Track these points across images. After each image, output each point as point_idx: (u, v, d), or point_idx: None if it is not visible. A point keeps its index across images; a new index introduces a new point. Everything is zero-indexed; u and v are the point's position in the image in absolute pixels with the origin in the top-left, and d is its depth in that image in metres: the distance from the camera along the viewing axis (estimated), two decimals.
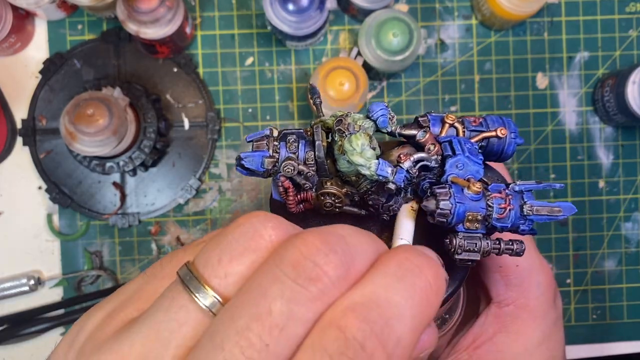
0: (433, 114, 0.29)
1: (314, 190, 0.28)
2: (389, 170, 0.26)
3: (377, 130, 0.28)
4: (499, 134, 0.29)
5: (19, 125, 0.57)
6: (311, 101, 0.30)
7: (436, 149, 0.28)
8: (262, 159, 0.27)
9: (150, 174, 0.58)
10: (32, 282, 0.57)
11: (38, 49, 0.58)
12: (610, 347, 0.61)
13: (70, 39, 0.58)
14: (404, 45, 0.53)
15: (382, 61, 0.54)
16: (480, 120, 0.29)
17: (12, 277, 0.57)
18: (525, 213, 0.28)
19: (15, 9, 0.54)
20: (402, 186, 0.27)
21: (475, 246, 0.26)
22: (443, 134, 0.28)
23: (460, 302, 0.36)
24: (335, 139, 0.28)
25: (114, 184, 0.57)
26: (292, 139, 0.28)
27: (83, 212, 0.57)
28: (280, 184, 0.28)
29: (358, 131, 0.27)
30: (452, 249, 0.26)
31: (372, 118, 0.28)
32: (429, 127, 0.28)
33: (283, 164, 0.27)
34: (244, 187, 0.59)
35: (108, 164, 0.55)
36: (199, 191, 0.59)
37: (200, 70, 0.59)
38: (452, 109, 0.60)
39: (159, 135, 0.56)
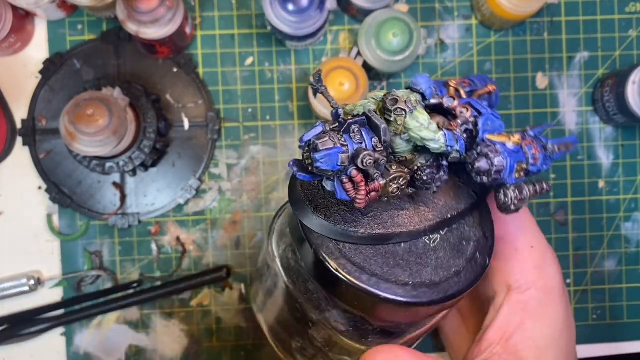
0: (434, 80, 0.29)
1: (382, 178, 0.26)
2: (455, 139, 0.26)
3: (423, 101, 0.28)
4: (490, 89, 0.30)
5: (18, 125, 0.58)
6: (314, 90, 0.29)
7: (469, 112, 0.28)
8: (338, 155, 0.25)
9: (150, 174, 0.58)
10: (32, 282, 0.57)
11: (38, 49, 0.58)
12: (610, 347, 0.61)
13: (70, 39, 0.58)
14: (404, 46, 0.53)
15: (382, 61, 0.54)
16: (468, 81, 0.30)
17: (12, 277, 0.57)
18: (549, 153, 0.29)
19: (15, 9, 0.54)
20: (464, 152, 0.27)
21: (523, 193, 0.27)
22: (450, 93, 0.29)
23: None
24: (391, 119, 0.26)
25: (114, 184, 0.57)
26: (356, 129, 0.26)
27: (83, 212, 0.58)
28: (347, 179, 0.26)
29: (417, 106, 0.26)
30: (509, 202, 0.27)
31: (421, 91, 0.27)
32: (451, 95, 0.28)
33: (362, 156, 0.25)
34: (244, 187, 0.59)
35: (108, 164, 0.55)
36: (199, 191, 0.59)
37: (200, 70, 0.59)
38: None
39: (159, 136, 0.56)
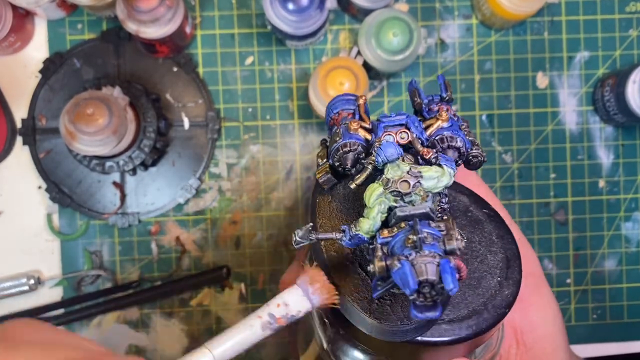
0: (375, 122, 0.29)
1: (462, 241, 0.26)
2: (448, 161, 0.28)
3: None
4: (360, 102, 0.30)
5: (18, 124, 0.57)
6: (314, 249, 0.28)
7: (409, 134, 0.28)
8: (449, 266, 0.23)
9: (150, 173, 0.58)
10: (32, 281, 0.57)
11: (38, 49, 0.58)
12: (610, 347, 0.61)
13: (70, 39, 0.58)
14: (404, 45, 0.53)
15: (382, 61, 0.54)
16: (352, 112, 0.31)
17: (11, 277, 0.57)
18: (449, 100, 0.31)
19: (15, 8, 0.54)
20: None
21: (478, 147, 0.29)
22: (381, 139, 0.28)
23: (496, 338, 0.34)
24: (412, 198, 0.26)
25: (114, 183, 0.57)
26: (423, 234, 0.24)
27: (83, 211, 0.57)
28: (456, 271, 0.24)
29: (420, 171, 0.26)
30: (480, 158, 0.29)
31: (397, 156, 0.27)
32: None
33: (454, 247, 0.24)
34: (244, 186, 0.59)
35: (108, 164, 0.55)
36: (199, 191, 0.59)
37: (200, 69, 0.59)
38: (453, 108, 0.60)
39: (159, 135, 0.56)
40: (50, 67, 0.57)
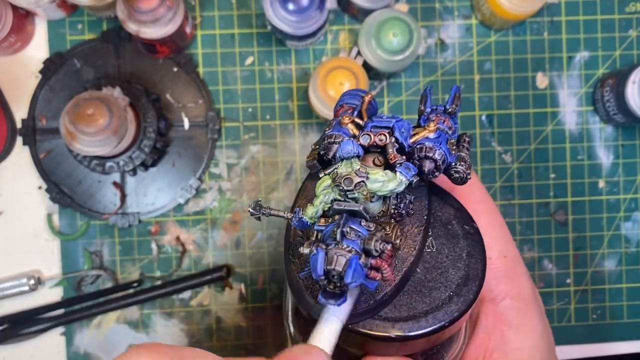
0: (337, 126, 0.29)
1: (390, 244, 0.27)
2: (408, 168, 0.28)
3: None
4: (367, 99, 0.31)
5: (19, 125, 0.58)
6: (256, 218, 0.30)
7: (388, 137, 0.29)
8: (358, 263, 0.25)
9: (150, 173, 0.58)
10: (32, 282, 0.57)
11: (38, 49, 0.58)
12: (610, 347, 0.61)
13: (70, 39, 0.58)
14: (404, 45, 0.53)
15: (382, 61, 0.54)
16: (347, 105, 0.32)
17: (12, 277, 0.57)
18: (452, 114, 0.31)
19: (15, 8, 0.54)
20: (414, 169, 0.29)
21: (467, 161, 0.30)
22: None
23: (461, 335, 0.35)
24: (355, 195, 0.27)
25: (114, 183, 0.57)
26: (347, 229, 0.26)
27: (83, 211, 0.58)
28: (372, 272, 0.26)
29: (367, 172, 0.27)
30: (463, 175, 0.29)
31: (353, 154, 0.28)
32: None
33: (374, 245, 0.26)
34: (244, 187, 0.59)
35: (108, 164, 0.55)
36: (199, 191, 0.59)
37: (200, 69, 0.59)
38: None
39: (159, 135, 0.56)
40: (50, 68, 0.57)
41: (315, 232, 0.27)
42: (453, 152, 0.29)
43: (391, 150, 0.28)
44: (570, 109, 0.60)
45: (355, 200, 0.27)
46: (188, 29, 0.56)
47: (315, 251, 0.25)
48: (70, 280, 0.58)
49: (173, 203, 0.58)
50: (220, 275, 0.58)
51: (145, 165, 0.57)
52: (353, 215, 0.27)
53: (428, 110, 0.30)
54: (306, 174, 0.33)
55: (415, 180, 0.27)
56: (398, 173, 0.27)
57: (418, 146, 0.28)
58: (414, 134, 0.29)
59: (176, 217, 0.59)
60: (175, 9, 0.52)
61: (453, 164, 0.29)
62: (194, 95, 0.58)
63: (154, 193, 0.58)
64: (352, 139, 0.28)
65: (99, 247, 0.58)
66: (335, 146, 0.28)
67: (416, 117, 0.31)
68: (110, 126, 0.50)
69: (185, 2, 0.55)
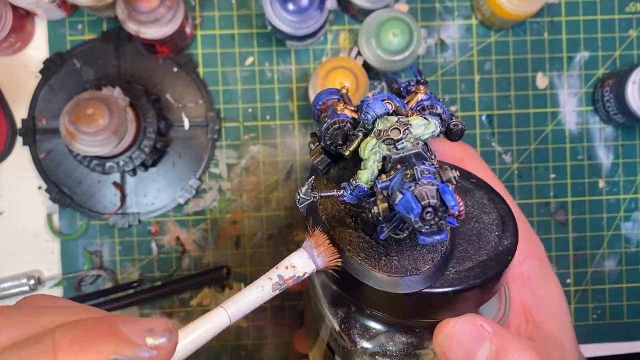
0: (367, 100, 0.30)
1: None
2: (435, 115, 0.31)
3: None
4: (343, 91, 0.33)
5: (19, 125, 0.57)
6: (308, 207, 0.29)
7: (393, 105, 0.29)
8: (448, 188, 0.25)
9: (150, 173, 0.58)
10: (32, 282, 0.57)
11: (38, 49, 0.58)
12: (610, 347, 0.61)
13: (70, 39, 0.58)
14: (404, 45, 0.53)
15: (382, 61, 0.54)
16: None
17: (12, 277, 0.57)
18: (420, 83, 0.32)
19: (15, 8, 0.54)
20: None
21: (455, 116, 0.31)
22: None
23: (504, 301, 0.35)
24: (404, 143, 0.27)
25: (114, 183, 0.57)
26: (422, 167, 0.26)
27: (83, 212, 0.57)
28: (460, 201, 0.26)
29: (408, 120, 0.28)
30: (460, 127, 0.30)
31: (387, 111, 0.28)
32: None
33: (450, 174, 0.26)
34: (244, 187, 0.59)
35: (108, 164, 0.55)
36: (199, 191, 0.59)
37: (200, 70, 0.59)
38: (452, 108, 0.60)
39: (159, 135, 0.56)
40: (50, 68, 0.57)
41: (380, 190, 0.26)
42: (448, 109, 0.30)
43: (405, 109, 0.28)
44: (570, 109, 0.60)
45: (404, 150, 0.27)
46: (188, 29, 0.56)
47: (401, 195, 0.24)
48: (70, 280, 0.58)
49: (173, 203, 0.58)
50: (220, 275, 0.58)
51: (145, 166, 0.57)
52: (418, 158, 0.26)
53: (402, 85, 0.31)
54: (306, 174, 0.33)
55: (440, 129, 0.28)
56: (429, 118, 0.28)
57: (419, 107, 0.29)
58: (407, 101, 0.30)
59: (176, 217, 0.59)
60: (175, 9, 0.52)
61: (449, 118, 0.30)
62: (194, 95, 0.58)
63: (154, 193, 0.58)
64: (376, 99, 0.28)
65: (98, 247, 0.58)
66: (341, 131, 0.29)
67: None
68: (110, 126, 0.50)
69: (185, 2, 0.55)
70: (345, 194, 0.27)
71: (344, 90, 0.31)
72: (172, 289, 0.58)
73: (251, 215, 0.59)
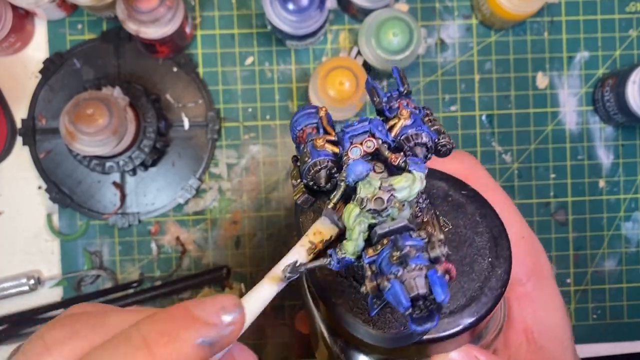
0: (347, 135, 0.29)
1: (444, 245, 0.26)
2: (418, 164, 0.28)
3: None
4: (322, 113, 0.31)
5: (18, 125, 0.57)
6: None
7: (374, 145, 0.28)
8: (438, 276, 0.24)
9: (150, 173, 0.58)
10: (32, 282, 0.57)
11: (38, 49, 0.58)
12: (610, 347, 0.61)
13: (70, 39, 0.58)
14: (404, 45, 0.53)
15: (382, 61, 0.54)
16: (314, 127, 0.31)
17: (12, 277, 0.57)
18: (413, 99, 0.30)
19: (15, 8, 0.54)
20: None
21: (445, 135, 0.29)
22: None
23: (500, 314, 0.34)
24: (389, 212, 0.26)
25: (114, 183, 0.57)
26: (409, 249, 0.24)
27: (83, 211, 0.57)
28: (445, 275, 0.24)
29: (392, 184, 0.26)
30: (450, 144, 0.28)
31: (364, 173, 0.26)
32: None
33: (437, 249, 0.24)
34: (244, 187, 0.59)
35: (108, 164, 0.55)
36: (199, 191, 0.59)
37: (200, 69, 0.59)
38: (452, 108, 0.60)
39: (159, 135, 0.56)
40: (50, 68, 0.57)
41: (367, 265, 0.25)
42: (431, 128, 0.28)
43: (387, 152, 0.27)
44: (571, 109, 0.60)
45: (390, 216, 0.26)
46: (188, 29, 0.56)
47: (389, 285, 0.23)
48: (70, 280, 0.58)
49: (173, 203, 0.58)
50: (220, 276, 0.58)
51: (145, 165, 0.57)
52: (403, 231, 0.25)
53: (385, 99, 0.29)
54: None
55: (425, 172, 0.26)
56: (414, 172, 0.26)
57: (403, 137, 0.27)
58: (390, 127, 0.28)
59: (176, 217, 0.59)
60: (175, 9, 0.52)
61: (436, 140, 0.28)
62: (193, 95, 0.58)
63: (153, 193, 0.58)
64: (358, 158, 0.27)
65: (98, 247, 0.58)
66: (323, 172, 0.27)
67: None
68: (110, 126, 0.50)
69: (185, 2, 0.55)
70: (332, 262, 0.26)
71: (322, 113, 0.30)
72: (172, 289, 0.58)
73: (251, 215, 0.59)
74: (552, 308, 0.36)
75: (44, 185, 0.57)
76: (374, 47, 0.53)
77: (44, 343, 0.23)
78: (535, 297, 0.36)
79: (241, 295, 0.28)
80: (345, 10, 0.58)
